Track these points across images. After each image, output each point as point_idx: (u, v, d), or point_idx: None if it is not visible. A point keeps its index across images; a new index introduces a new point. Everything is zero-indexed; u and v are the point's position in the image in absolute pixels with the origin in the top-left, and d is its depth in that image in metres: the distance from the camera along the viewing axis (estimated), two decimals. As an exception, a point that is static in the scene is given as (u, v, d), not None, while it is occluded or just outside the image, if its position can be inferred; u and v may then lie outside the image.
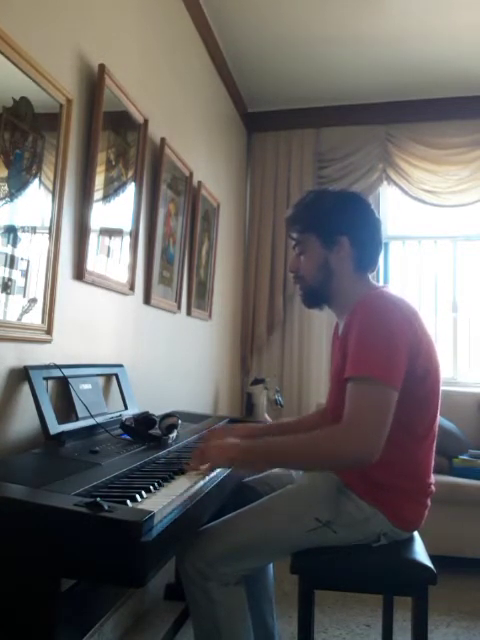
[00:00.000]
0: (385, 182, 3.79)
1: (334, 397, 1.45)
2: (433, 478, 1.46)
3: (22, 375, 1.47)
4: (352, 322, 1.35)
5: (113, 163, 1.95)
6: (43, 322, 1.58)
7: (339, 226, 1.47)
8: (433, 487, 1.45)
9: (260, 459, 1.41)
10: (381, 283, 3.80)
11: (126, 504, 1.04)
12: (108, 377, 1.98)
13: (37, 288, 1.56)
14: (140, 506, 1.06)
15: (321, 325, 3.78)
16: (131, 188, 2.11)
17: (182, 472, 1.38)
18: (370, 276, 1.54)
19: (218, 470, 1.45)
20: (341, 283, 1.49)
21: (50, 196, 1.60)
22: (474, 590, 2.57)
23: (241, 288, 3.96)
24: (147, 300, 2.31)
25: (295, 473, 1.65)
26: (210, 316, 3.19)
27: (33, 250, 1.54)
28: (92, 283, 1.85)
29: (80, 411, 1.62)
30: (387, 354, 1.27)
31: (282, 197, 3.89)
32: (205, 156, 3.09)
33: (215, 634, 1.35)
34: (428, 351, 1.39)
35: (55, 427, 1.48)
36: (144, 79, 2.25)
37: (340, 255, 1.47)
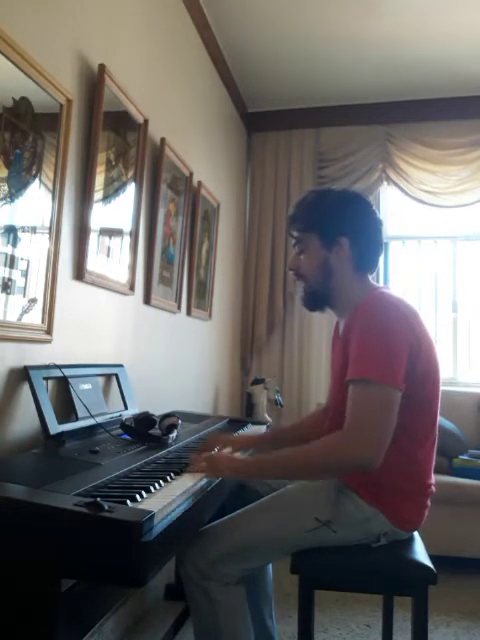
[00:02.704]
0: (385, 182, 3.79)
1: (336, 398, 1.45)
2: (433, 478, 1.46)
3: (22, 375, 1.47)
4: (353, 325, 1.36)
5: (113, 163, 1.95)
6: (43, 322, 1.58)
7: (340, 227, 1.47)
8: (433, 487, 1.45)
9: (268, 473, 1.44)
10: (381, 283, 3.81)
11: (126, 504, 1.04)
12: (108, 377, 1.98)
13: (37, 288, 1.56)
14: (140, 506, 1.06)
15: (321, 325, 3.78)
16: (131, 188, 2.11)
17: (182, 472, 1.38)
18: (370, 277, 1.54)
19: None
20: (341, 283, 1.49)
21: (50, 196, 1.60)
22: (474, 590, 2.57)
23: (241, 288, 3.96)
24: (147, 300, 2.31)
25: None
26: (210, 316, 3.19)
27: (33, 250, 1.54)
28: (92, 283, 1.85)
29: (80, 411, 1.62)
30: (387, 355, 1.28)
31: (282, 197, 3.89)
32: (205, 156, 3.09)
33: (215, 634, 1.35)
34: (428, 352, 1.39)
35: (55, 427, 1.47)
36: (144, 79, 2.25)
37: (340, 255, 1.47)
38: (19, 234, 1.47)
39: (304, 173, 3.86)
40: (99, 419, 1.67)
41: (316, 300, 1.54)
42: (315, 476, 1.43)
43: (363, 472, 1.35)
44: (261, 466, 1.40)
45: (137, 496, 1.10)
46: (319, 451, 1.31)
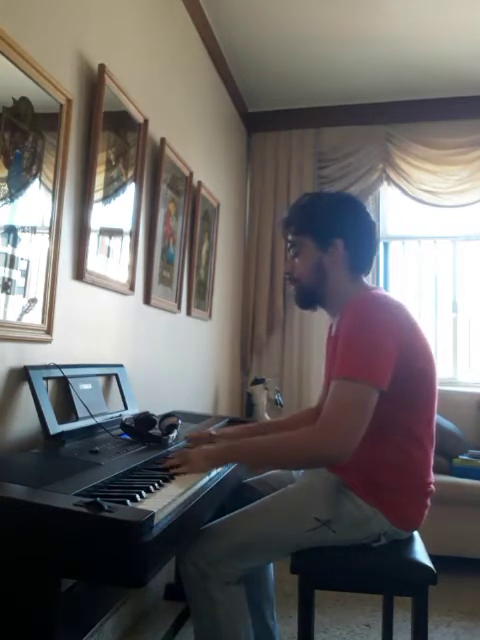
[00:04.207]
0: (385, 182, 3.78)
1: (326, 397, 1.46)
2: (433, 477, 1.46)
3: (22, 375, 1.47)
4: (341, 324, 1.38)
5: (113, 163, 1.95)
6: (43, 322, 1.58)
7: (334, 229, 1.49)
8: (433, 486, 1.46)
9: (239, 458, 1.46)
10: (380, 284, 3.82)
11: (126, 504, 1.04)
12: (108, 377, 1.98)
13: (37, 288, 1.56)
14: (140, 506, 1.06)
15: (321, 325, 3.77)
16: (131, 188, 2.11)
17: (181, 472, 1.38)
18: (365, 278, 1.55)
19: (215, 471, 1.45)
20: (335, 285, 1.51)
21: (50, 196, 1.60)
22: (474, 590, 2.57)
23: (241, 288, 3.96)
24: (147, 300, 2.31)
25: (295, 473, 1.65)
26: (210, 316, 3.19)
27: (33, 250, 1.54)
28: (92, 283, 1.85)
29: (80, 411, 1.62)
30: (371, 354, 1.29)
31: (282, 197, 3.89)
32: (205, 156, 3.09)
33: (215, 634, 1.35)
34: (423, 351, 1.40)
35: (55, 427, 1.47)
36: (144, 79, 2.25)
37: (334, 257, 1.49)
38: (19, 234, 1.47)
39: (304, 173, 3.86)
40: (99, 419, 1.67)
41: (308, 299, 1.56)
42: (282, 465, 1.48)
43: (330, 465, 1.40)
44: (234, 452, 1.43)
45: (137, 496, 1.10)
46: (288, 441, 1.35)
